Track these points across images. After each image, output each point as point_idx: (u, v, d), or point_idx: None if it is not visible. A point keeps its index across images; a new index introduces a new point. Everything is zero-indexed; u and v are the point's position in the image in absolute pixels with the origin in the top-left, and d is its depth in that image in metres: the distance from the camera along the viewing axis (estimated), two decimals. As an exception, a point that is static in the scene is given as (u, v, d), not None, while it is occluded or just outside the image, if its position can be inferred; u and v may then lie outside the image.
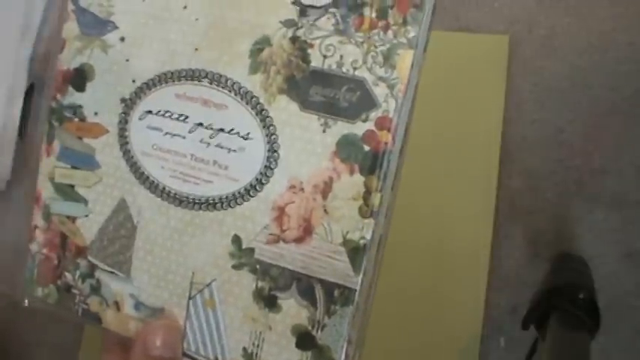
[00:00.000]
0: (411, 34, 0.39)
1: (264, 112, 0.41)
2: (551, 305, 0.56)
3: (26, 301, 0.48)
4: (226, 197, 0.42)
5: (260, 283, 0.41)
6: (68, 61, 0.46)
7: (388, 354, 0.67)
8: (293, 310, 0.40)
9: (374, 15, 0.39)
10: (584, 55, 0.70)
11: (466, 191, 0.72)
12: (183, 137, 0.43)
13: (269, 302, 0.41)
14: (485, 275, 0.69)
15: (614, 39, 0.69)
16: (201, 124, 0.42)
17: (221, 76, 0.42)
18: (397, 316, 0.70)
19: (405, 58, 0.39)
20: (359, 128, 0.39)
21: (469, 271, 0.70)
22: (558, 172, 0.69)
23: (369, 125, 0.39)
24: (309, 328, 0.40)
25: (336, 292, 0.40)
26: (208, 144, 0.42)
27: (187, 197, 0.43)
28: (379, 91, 0.39)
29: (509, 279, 0.68)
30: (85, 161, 0.46)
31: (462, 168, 0.73)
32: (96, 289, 0.45)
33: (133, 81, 0.44)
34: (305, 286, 0.40)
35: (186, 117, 0.43)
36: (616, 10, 0.69)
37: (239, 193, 0.42)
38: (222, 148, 0.42)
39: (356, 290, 0.39)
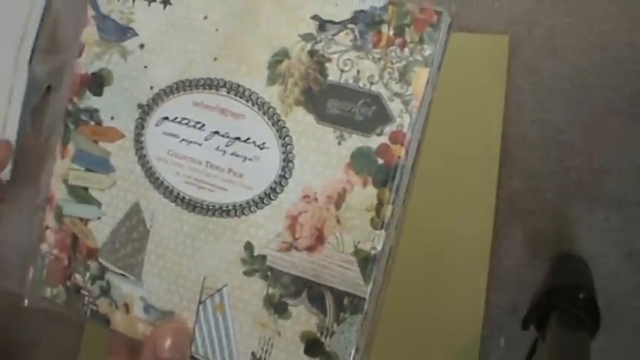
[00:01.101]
0: (427, 52, 0.40)
1: (280, 123, 0.42)
2: (551, 305, 0.57)
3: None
4: (240, 205, 0.43)
5: (271, 290, 0.42)
6: (86, 65, 0.47)
7: (388, 354, 0.67)
8: (303, 316, 0.41)
9: (391, 32, 0.40)
10: (584, 55, 0.71)
11: (466, 191, 0.73)
12: (199, 144, 0.44)
13: (279, 309, 0.42)
14: (485, 275, 0.69)
15: (614, 39, 0.70)
16: (217, 132, 0.43)
17: (239, 86, 0.43)
18: (397, 315, 0.71)
19: (421, 76, 0.40)
20: (373, 142, 0.40)
21: (469, 271, 0.70)
22: (558, 172, 0.70)
23: (384, 139, 0.40)
24: (318, 335, 0.41)
25: (345, 301, 0.40)
26: (224, 152, 0.43)
27: (201, 203, 0.44)
28: (394, 106, 0.40)
29: (509, 279, 0.69)
30: (100, 164, 0.46)
31: (462, 168, 0.73)
32: (105, 291, 0.46)
33: (151, 88, 0.45)
34: (315, 293, 0.41)
35: (203, 125, 0.44)
36: (616, 10, 0.71)
37: (253, 201, 0.42)
38: (237, 156, 0.43)
39: (365, 299, 0.40)
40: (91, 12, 0.47)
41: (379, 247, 0.40)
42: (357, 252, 0.40)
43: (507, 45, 0.74)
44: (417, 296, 0.72)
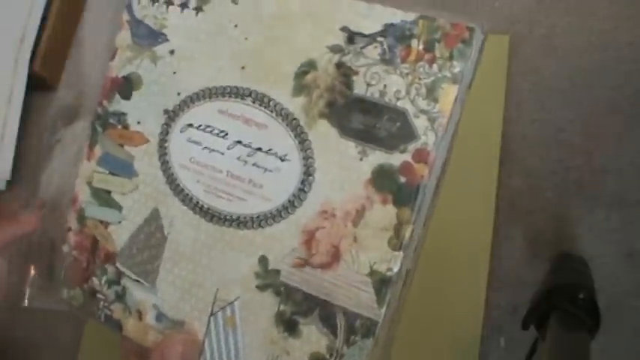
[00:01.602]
0: (457, 69, 0.38)
1: (303, 135, 0.41)
2: (551, 305, 0.55)
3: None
4: (257, 217, 0.42)
5: (282, 307, 0.41)
6: (118, 69, 0.47)
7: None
8: (313, 336, 0.40)
9: (421, 47, 0.39)
10: (585, 54, 0.69)
11: (466, 191, 0.71)
12: (222, 153, 0.43)
13: (289, 326, 0.40)
14: (485, 275, 0.67)
15: (615, 38, 0.68)
16: (240, 142, 0.43)
17: (264, 95, 0.42)
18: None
19: (449, 93, 0.38)
20: (396, 159, 0.39)
21: (469, 271, 0.68)
22: (558, 172, 0.68)
23: (407, 157, 0.39)
24: (327, 357, 0.39)
25: (357, 323, 0.39)
26: (245, 162, 0.42)
27: (219, 213, 0.43)
28: (420, 123, 0.39)
29: (509, 279, 0.67)
30: (124, 168, 0.46)
31: (462, 168, 0.71)
32: (120, 297, 0.45)
33: (178, 94, 0.45)
34: (327, 313, 0.40)
35: (227, 133, 0.43)
36: (616, 10, 0.69)
37: (271, 213, 0.41)
38: (258, 167, 0.42)
39: (378, 322, 0.38)
40: (125, 16, 0.47)
41: (395, 269, 0.38)
42: (372, 273, 0.39)
43: (508, 44, 0.72)
44: (416, 296, 0.70)
